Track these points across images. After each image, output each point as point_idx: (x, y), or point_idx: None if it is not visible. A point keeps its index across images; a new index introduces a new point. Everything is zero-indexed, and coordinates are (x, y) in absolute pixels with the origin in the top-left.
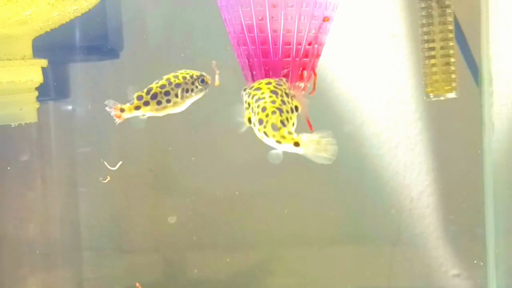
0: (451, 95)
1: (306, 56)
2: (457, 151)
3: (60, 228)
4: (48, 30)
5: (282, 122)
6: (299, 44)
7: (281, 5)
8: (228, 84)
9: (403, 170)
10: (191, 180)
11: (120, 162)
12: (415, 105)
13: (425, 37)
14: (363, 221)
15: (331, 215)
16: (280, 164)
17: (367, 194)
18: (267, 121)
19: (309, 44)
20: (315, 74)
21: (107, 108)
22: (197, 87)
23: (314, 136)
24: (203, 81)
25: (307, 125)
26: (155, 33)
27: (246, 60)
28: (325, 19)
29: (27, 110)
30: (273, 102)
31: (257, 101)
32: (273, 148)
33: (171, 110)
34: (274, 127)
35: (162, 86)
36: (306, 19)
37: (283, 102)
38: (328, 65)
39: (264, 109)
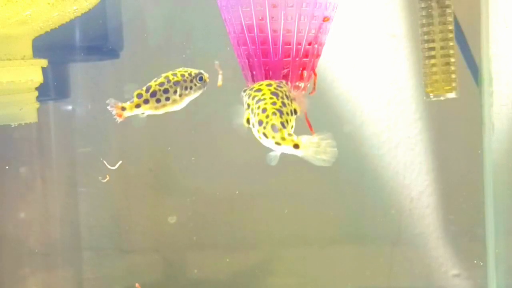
0: (451, 95)
1: (306, 56)
2: (457, 151)
3: (60, 228)
4: (48, 30)
5: (282, 123)
6: (299, 44)
7: (281, 5)
8: (228, 84)
9: (403, 170)
10: (191, 180)
11: (120, 162)
12: (415, 105)
13: (425, 37)
14: (363, 221)
15: (331, 215)
16: (280, 164)
17: (367, 194)
18: (267, 122)
19: (309, 44)
20: (315, 74)
21: (108, 107)
22: (195, 85)
23: (314, 138)
24: (201, 79)
25: (307, 126)
26: (155, 33)
27: (246, 60)
28: (325, 19)
29: (27, 110)
30: (274, 103)
31: (257, 102)
32: (271, 150)
33: (170, 108)
34: (274, 128)
35: (161, 84)
36: (306, 19)
37: (283, 104)
38: (328, 65)
39: (264, 110)
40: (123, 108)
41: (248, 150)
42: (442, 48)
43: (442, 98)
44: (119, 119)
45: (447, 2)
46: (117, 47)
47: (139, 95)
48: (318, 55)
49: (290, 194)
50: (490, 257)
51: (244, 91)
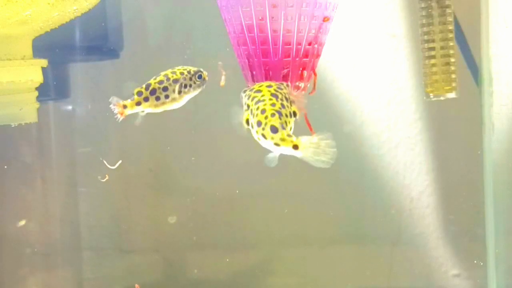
0: (451, 95)
1: (306, 56)
2: (457, 151)
3: (60, 228)
4: (48, 30)
5: (281, 125)
6: (299, 44)
7: (281, 5)
8: (228, 84)
9: (403, 170)
10: (191, 180)
11: (120, 161)
12: (415, 105)
13: (425, 37)
14: (363, 221)
15: (331, 215)
16: (280, 164)
17: (367, 194)
18: (266, 123)
19: (309, 44)
20: (315, 74)
21: (111, 106)
22: (195, 82)
23: (314, 138)
24: (200, 76)
25: (306, 127)
26: (155, 33)
27: (246, 60)
28: (325, 19)
29: (27, 110)
30: (273, 105)
31: (256, 103)
32: (271, 151)
33: (170, 106)
34: (273, 129)
35: (160, 82)
36: (306, 19)
37: (282, 106)
38: (328, 65)
39: (263, 111)
40: (125, 106)
41: (248, 150)
42: (442, 48)
43: (442, 98)
44: (120, 117)
45: (447, 2)
46: (117, 47)
47: (139, 93)
48: (318, 55)
49: (290, 194)
50: (490, 257)
51: (244, 91)
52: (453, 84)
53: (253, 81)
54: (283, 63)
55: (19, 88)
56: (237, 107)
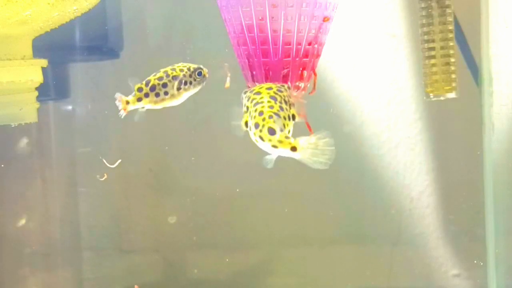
0: (451, 95)
1: (306, 56)
2: (457, 151)
3: (60, 228)
4: (48, 30)
5: (279, 127)
6: (299, 44)
7: (281, 5)
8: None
9: (403, 170)
10: (191, 180)
11: (120, 160)
12: (415, 105)
13: (425, 37)
14: (363, 221)
15: (331, 215)
16: (280, 164)
17: (367, 194)
18: (263, 125)
19: (309, 44)
20: (315, 74)
21: (116, 102)
22: (194, 79)
23: (311, 139)
24: (200, 73)
25: (306, 129)
26: (155, 33)
27: (246, 60)
28: (325, 19)
29: (27, 110)
30: (271, 107)
31: (255, 105)
32: (268, 153)
33: (169, 102)
34: (271, 131)
35: (160, 79)
36: (306, 19)
37: (281, 108)
38: (328, 65)
39: (261, 113)
40: (127, 102)
41: (248, 150)
42: (442, 48)
43: (442, 98)
44: (123, 113)
45: (447, 2)
46: (117, 47)
47: (140, 89)
48: (318, 55)
49: (290, 194)
50: (490, 257)
51: (245, 93)
52: (453, 84)
53: (253, 81)
54: (283, 63)
55: (19, 88)
56: (237, 108)
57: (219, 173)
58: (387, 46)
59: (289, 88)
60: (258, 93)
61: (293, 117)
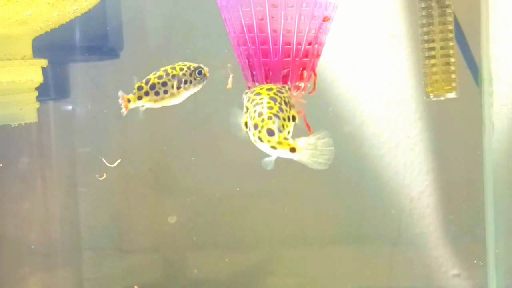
0: (451, 95)
1: (306, 56)
2: (457, 151)
3: (60, 228)
4: (48, 30)
5: (278, 128)
6: (299, 44)
7: (281, 5)
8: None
9: (403, 170)
10: (191, 180)
11: (119, 160)
12: (415, 105)
13: (425, 37)
14: (363, 221)
15: (331, 215)
16: (280, 164)
17: (367, 194)
18: (262, 126)
19: (309, 44)
20: (315, 74)
21: (119, 100)
22: (195, 78)
23: (311, 139)
24: (200, 72)
25: (305, 127)
26: (155, 33)
27: (246, 60)
28: (325, 19)
29: (27, 110)
30: (271, 108)
31: (255, 106)
32: (268, 155)
33: (169, 101)
34: (270, 132)
35: (160, 77)
36: (306, 19)
37: (280, 109)
38: (328, 65)
39: (260, 114)
40: (129, 100)
41: (248, 150)
42: (442, 48)
43: (442, 98)
44: (125, 112)
45: (447, 2)
46: (117, 47)
47: (140, 88)
48: (318, 55)
49: (290, 194)
50: (490, 257)
51: (246, 93)
52: (453, 84)
53: (253, 81)
54: (283, 63)
55: (19, 88)
56: (237, 108)
57: (219, 173)
58: (387, 46)
59: (290, 89)
60: (258, 94)
61: (293, 118)
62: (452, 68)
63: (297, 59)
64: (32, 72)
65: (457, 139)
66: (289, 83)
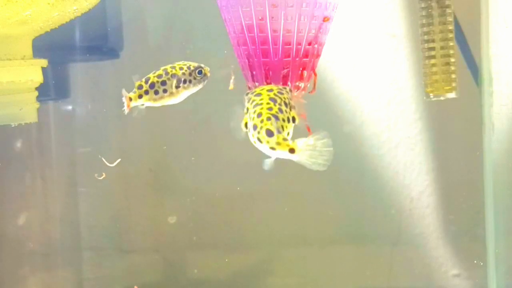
0: (451, 95)
1: (306, 56)
2: (457, 151)
3: (60, 228)
4: (48, 30)
5: (277, 129)
6: (299, 44)
7: (281, 5)
8: (228, 84)
9: (403, 170)
10: (191, 180)
11: (119, 159)
12: (415, 105)
13: (425, 37)
14: (363, 221)
15: (331, 215)
16: (280, 164)
17: (367, 194)
18: (261, 127)
19: (309, 44)
20: (315, 74)
21: (123, 99)
22: (194, 78)
23: (310, 140)
24: (200, 72)
25: (305, 127)
26: (155, 33)
27: (246, 60)
28: (325, 19)
29: (27, 110)
30: (270, 109)
31: (254, 106)
32: (268, 156)
33: (168, 100)
34: (269, 133)
35: (159, 76)
36: (306, 19)
37: (280, 110)
38: (328, 65)
39: (259, 115)
40: (130, 99)
41: (248, 150)
42: (442, 48)
43: (442, 98)
44: (127, 110)
45: (447, 2)
46: (117, 47)
47: (140, 86)
48: (318, 55)
49: (290, 194)
50: (490, 257)
51: (247, 94)
52: (453, 84)
53: (253, 81)
54: (283, 63)
55: (19, 88)
56: (237, 108)
57: (219, 173)
58: (387, 46)
59: (291, 90)
60: (259, 94)
61: (293, 119)
62: (452, 68)
63: (297, 59)
64: (32, 72)
65: (457, 139)
66: (289, 83)
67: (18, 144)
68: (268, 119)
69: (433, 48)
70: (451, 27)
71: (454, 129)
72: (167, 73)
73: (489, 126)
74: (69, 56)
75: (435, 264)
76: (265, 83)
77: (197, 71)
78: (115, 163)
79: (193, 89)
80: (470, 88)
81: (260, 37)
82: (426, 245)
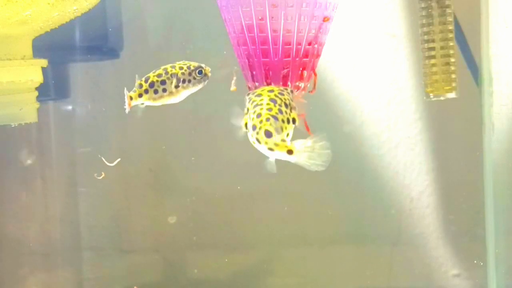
0: (451, 95)
1: (306, 56)
2: (457, 151)
3: (60, 228)
4: (48, 30)
5: (276, 129)
6: (299, 44)
7: (281, 5)
8: (228, 84)
9: (403, 170)
10: (191, 180)
11: (119, 159)
12: (415, 105)
13: (425, 37)
14: (363, 221)
15: (331, 215)
16: (281, 164)
17: (367, 194)
18: (260, 128)
19: (309, 44)
20: (315, 74)
21: (125, 98)
22: (194, 78)
23: (308, 142)
24: (200, 72)
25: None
26: (155, 33)
27: (246, 60)
28: (325, 19)
29: (27, 110)
30: (270, 109)
31: (254, 107)
32: (269, 157)
33: (168, 100)
34: (267, 134)
35: (159, 76)
36: (306, 19)
37: (280, 111)
38: (328, 65)
39: (259, 115)
40: (131, 98)
41: (248, 150)
42: (442, 48)
43: (442, 98)
44: (128, 109)
45: (447, 2)
46: (117, 47)
47: (140, 85)
48: (318, 55)
49: (290, 194)
50: (490, 257)
51: (248, 94)
52: (453, 84)
53: (253, 81)
54: (283, 63)
55: (19, 88)
56: (237, 108)
57: (219, 173)
58: (387, 46)
59: (292, 91)
60: (259, 95)
61: (293, 120)
62: (452, 68)
63: (297, 59)
64: (32, 72)
65: (457, 139)
66: (289, 83)
67: (18, 144)
68: (267, 119)
69: (433, 48)
70: (451, 27)
71: (454, 129)
72: (167, 73)
73: (489, 126)
74: (69, 56)
75: (435, 264)
76: (265, 83)
77: (197, 71)
78: (115, 163)
79: (193, 89)
80: (470, 88)
81: (260, 37)
82: (426, 245)
